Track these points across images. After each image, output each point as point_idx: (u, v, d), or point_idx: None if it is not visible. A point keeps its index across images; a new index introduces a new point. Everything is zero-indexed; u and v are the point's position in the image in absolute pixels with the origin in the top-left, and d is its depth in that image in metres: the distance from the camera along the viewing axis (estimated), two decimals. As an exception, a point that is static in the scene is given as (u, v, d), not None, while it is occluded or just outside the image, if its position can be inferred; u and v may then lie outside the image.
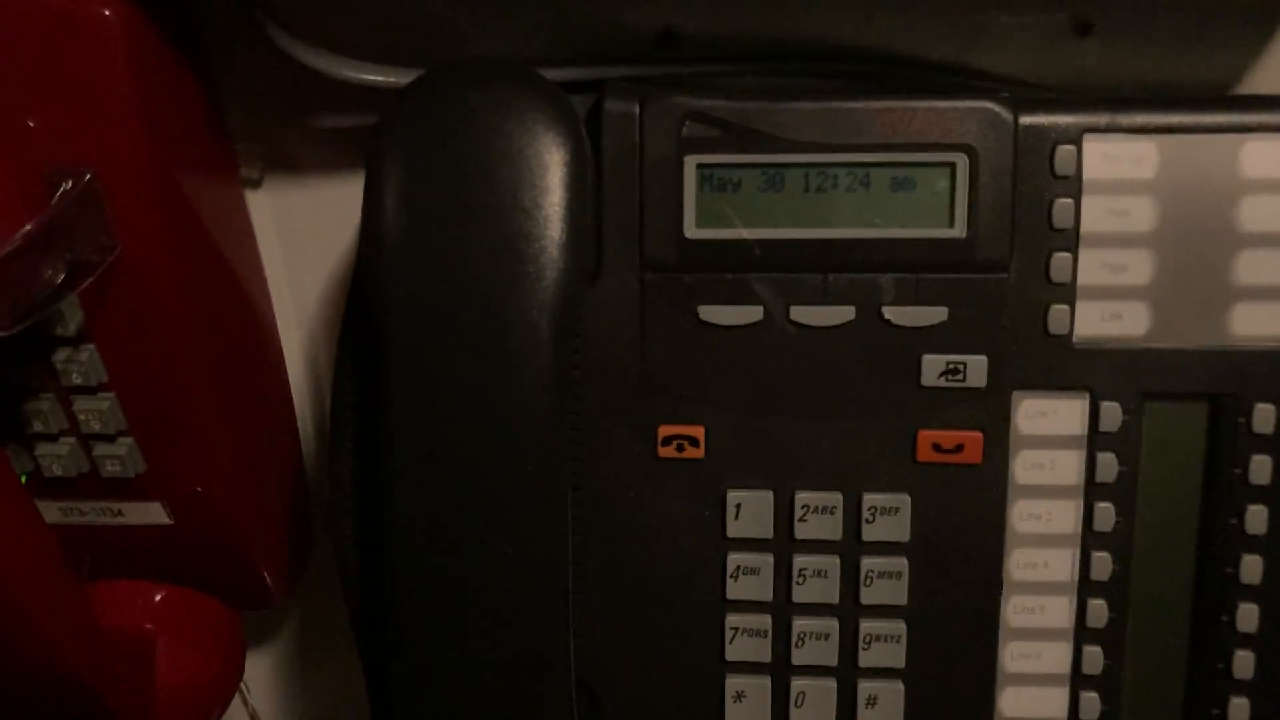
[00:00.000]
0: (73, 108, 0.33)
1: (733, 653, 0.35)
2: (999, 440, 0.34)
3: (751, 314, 0.33)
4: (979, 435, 0.34)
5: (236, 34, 0.36)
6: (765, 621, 0.35)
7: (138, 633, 0.40)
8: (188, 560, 0.41)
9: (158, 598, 0.41)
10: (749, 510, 0.34)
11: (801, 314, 0.33)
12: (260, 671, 0.51)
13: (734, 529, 0.35)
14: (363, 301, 0.32)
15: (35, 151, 0.33)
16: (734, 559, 0.35)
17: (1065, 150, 0.32)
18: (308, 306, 0.42)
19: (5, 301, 0.30)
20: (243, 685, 0.50)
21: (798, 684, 0.35)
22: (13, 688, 0.36)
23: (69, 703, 0.36)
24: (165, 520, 0.40)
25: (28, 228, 0.31)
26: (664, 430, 0.34)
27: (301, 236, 0.41)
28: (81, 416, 0.37)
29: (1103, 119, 0.32)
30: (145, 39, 0.34)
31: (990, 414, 0.34)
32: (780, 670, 0.35)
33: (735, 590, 0.35)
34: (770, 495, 0.34)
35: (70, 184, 0.33)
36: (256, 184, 0.40)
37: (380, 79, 0.35)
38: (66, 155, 0.33)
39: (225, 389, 0.39)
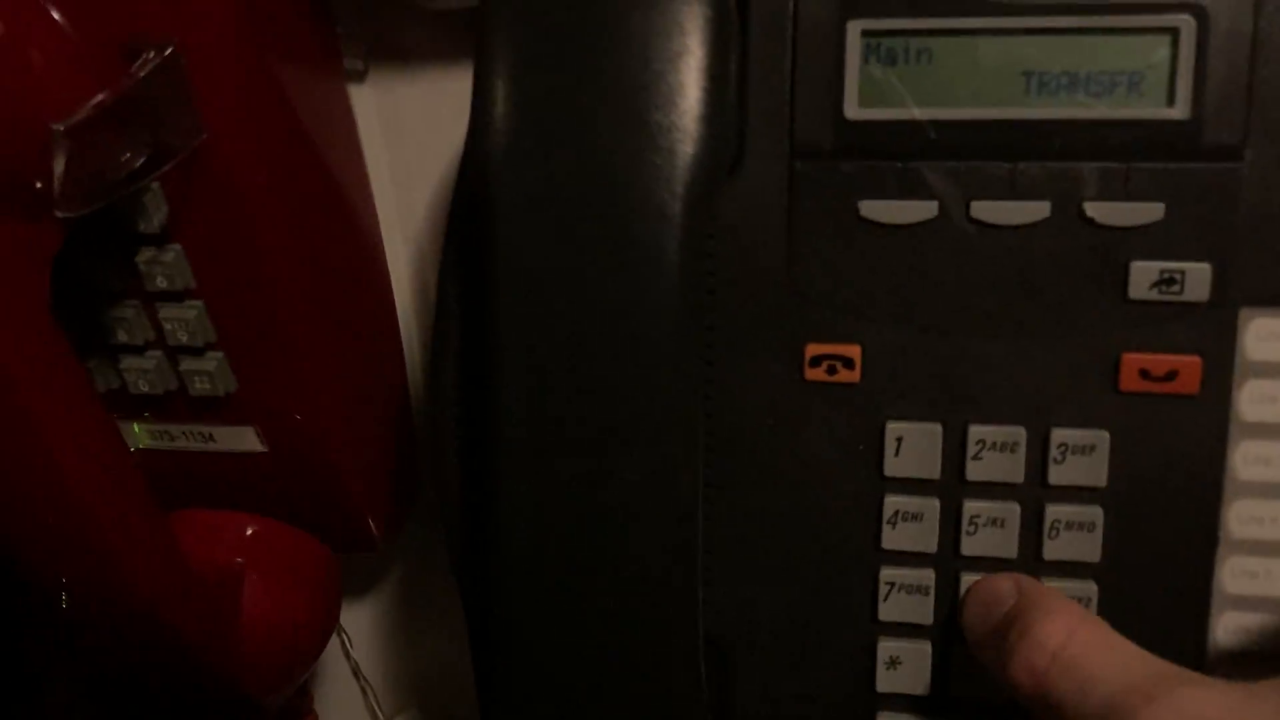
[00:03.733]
0: (156, -29, 0.30)
1: (887, 612, 0.30)
2: (1222, 367, 0.28)
3: (923, 210, 0.28)
4: (1197, 360, 0.28)
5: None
6: (928, 577, 0.30)
7: (224, 566, 0.37)
8: (283, 494, 0.38)
9: (249, 531, 0.38)
10: (912, 445, 0.29)
11: (984, 210, 0.28)
12: (363, 623, 0.48)
13: (893, 467, 0.30)
14: (469, 186, 0.28)
15: (115, 21, 0.30)
16: (892, 502, 0.30)
17: (1324, 8, 0.26)
18: (416, 218, 0.39)
19: (73, 179, 0.27)
20: (345, 638, 0.48)
21: (964, 653, 0.30)
22: (86, 614, 0.33)
23: (144, 633, 0.33)
24: (259, 448, 0.37)
25: (100, 97, 0.28)
26: (812, 349, 0.29)
27: (410, 138, 0.37)
28: (167, 326, 0.34)
29: (1375, -34, 0.26)
30: (237, -103, 0.30)
31: (1212, 335, 0.28)
32: (944, 635, 0.30)
33: (892, 539, 0.30)
34: (938, 428, 0.29)
35: (151, 54, 0.29)
36: (361, 76, 0.36)
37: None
38: (153, 28, 0.30)
39: (323, 304, 0.35)
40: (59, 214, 0.27)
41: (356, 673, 0.49)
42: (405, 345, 0.42)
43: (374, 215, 0.39)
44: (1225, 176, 0.27)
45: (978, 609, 0.29)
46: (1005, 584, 0.29)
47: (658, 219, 0.27)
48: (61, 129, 0.27)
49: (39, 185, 0.27)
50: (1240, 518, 0.29)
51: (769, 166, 0.29)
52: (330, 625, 0.40)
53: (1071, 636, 0.26)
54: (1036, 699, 0.26)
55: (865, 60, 0.28)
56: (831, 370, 0.29)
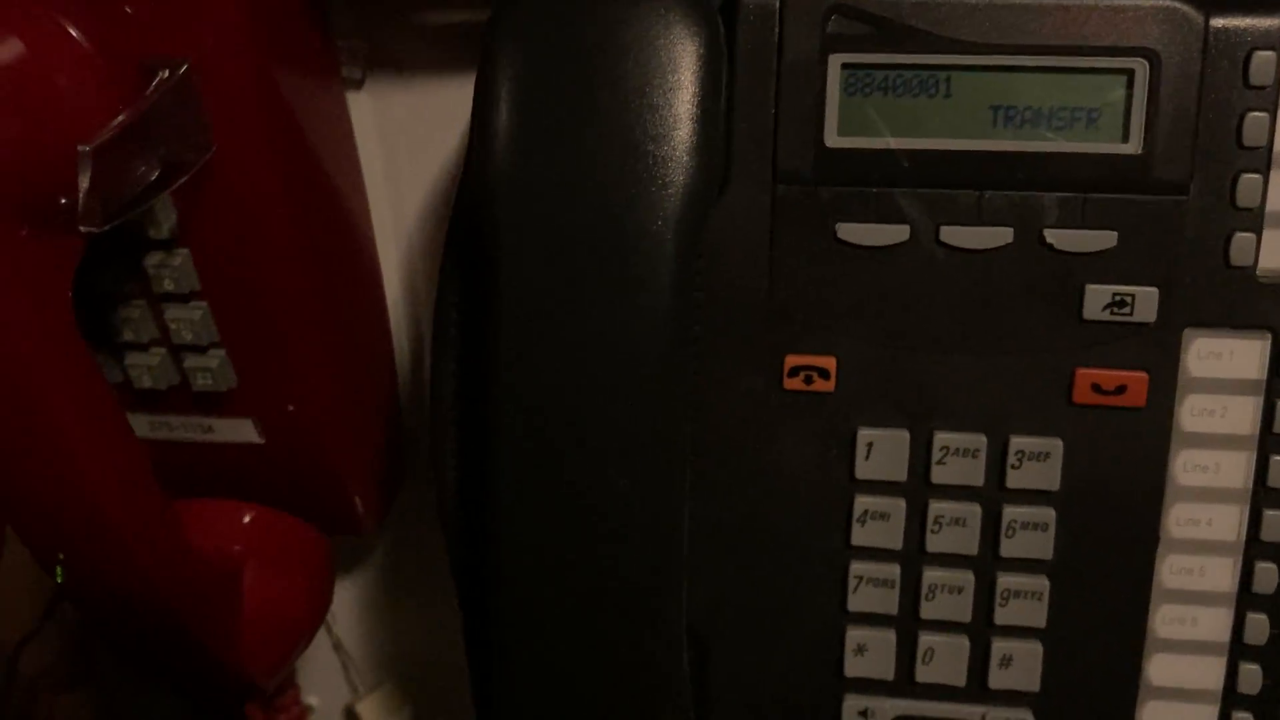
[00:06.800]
0: (170, -5, 0.31)
1: (856, 603, 0.32)
2: (1166, 382, 0.30)
3: (896, 234, 0.30)
4: (1144, 376, 0.30)
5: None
6: (893, 571, 0.32)
7: (225, 554, 0.38)
8: (275, 481, 0.40)
9: (247, 519, 0.40)
10: (881, 450, 0.32)
11: (952, 235, 0.30)
12: (345, 599, 0.50)
13: (863, 470, 0.32)
14: (470, 206, 0.30)
15: (131, 41, 0.31)
16: (862, 502, 0.32)
17: (1263, 57, 0.29)
18: (407, 223, 0.40)
19: (97, 196, 0.29)
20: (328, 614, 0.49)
21: (926, 640, 0.32)
22: (95, 603, 0.35)
23: (151, 621, 0.34)
24: (256, 439, 0.38)
25: (121, 117, 0.29)
26: (791, 360, 0.31)
27: (404, 145, 0.39)
28: (173, 326, 0.35)
29: (1308, 22, 0.29)
30: (246, -78, 0.31)
31: (1158, 353, 0.30)
32: (907, 624, 0.32)
33: (862, 536, 0.32)
34: (906, 435, 0.31)
35: (166, 74, 0.31)
36: (359, 84, 0.37)
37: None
38: (164, 47, 0.31)
39: (320, 304, 0.37)
40: (83, 229, 0.29)
41: (338, 646, 0.50)
42: (394, 340, 0.43)
43: (368, 218, 0.40)
44: (1172, 208, 0.29)
45: None
46: None
47: (653, 245, 0.29)
48: (88, 150, 0.28)
49: (64, 202, 0.28)
50: (1179, 520, 0.31)
51: (753, 191, 0.31)
52: (325, 607, 0.42)
53: None
54: None
55: (845, 93, 0.30)
56: (808, 380, 0.32)
